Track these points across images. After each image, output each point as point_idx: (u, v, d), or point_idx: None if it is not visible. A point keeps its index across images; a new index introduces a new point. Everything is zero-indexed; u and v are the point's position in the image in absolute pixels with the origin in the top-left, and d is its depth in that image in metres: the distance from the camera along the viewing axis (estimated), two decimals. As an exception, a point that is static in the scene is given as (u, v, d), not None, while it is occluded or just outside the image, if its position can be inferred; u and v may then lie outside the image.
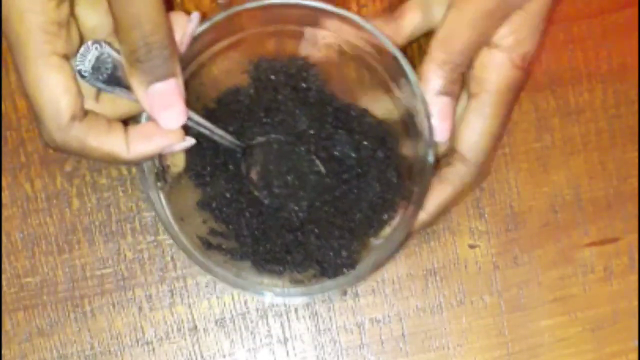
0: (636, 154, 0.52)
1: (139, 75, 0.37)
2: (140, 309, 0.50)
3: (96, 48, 0.37)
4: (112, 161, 0.39)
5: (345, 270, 0.45)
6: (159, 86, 0.37)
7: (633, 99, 0.52)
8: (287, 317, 0.51)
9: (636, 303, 0.51)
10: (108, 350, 0.50)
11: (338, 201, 0.47)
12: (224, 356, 0.51)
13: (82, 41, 0.39)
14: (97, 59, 0.37)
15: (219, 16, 0.42)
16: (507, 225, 0.51)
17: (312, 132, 0.47)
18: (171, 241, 0.50)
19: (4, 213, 0.50)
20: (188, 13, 0.41)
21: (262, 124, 0.47)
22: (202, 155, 0.46)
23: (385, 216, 0.46)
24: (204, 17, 0.42)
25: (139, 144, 0.39)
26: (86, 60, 0.37)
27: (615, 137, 0.52)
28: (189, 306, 0.50)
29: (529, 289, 0.51)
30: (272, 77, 0.47)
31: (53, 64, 0.36)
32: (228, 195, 0.46)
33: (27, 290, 0.50)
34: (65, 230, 0.50)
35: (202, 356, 0.50)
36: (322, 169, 0.47)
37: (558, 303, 0.51)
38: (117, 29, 0.37)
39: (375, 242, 0.46)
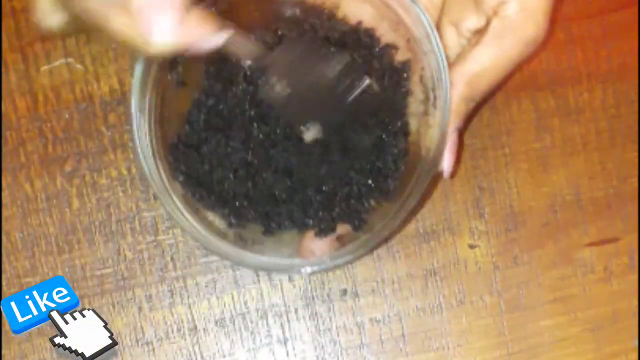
0: (636, 154, 0.52)
1: None
2: (140, 309, 0.50)
3: None
4: (132, 48, 0.35)
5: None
6: None
7: (633, 99, 0.52)
8: (287, 317, 0.51)
9: (636, 303, 0.51)
10: (108, 350, 0.50)
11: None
12: (224, 356, 0.51)
13: None
14: None
15: None
16: (507, 225, 0.51)
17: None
18: (171, 241, 0.50)
19: (4, 213, 0.50)
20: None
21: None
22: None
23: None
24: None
25: (163, 36, 0.35)
26: None
27: (615, 137, 0.52)
28: (189, 306, 0.50)
29: (529, 289, 0.51)
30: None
31: None
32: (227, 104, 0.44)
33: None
34: (65, 230, 0.50)
35: (202, 356, 0.50)
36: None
37: (558, 303, 0.51)
38: None
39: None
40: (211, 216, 0.46)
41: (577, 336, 0.51)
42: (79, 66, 0.50)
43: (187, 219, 0.43)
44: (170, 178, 0.44)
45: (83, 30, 0.42)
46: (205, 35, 0.36)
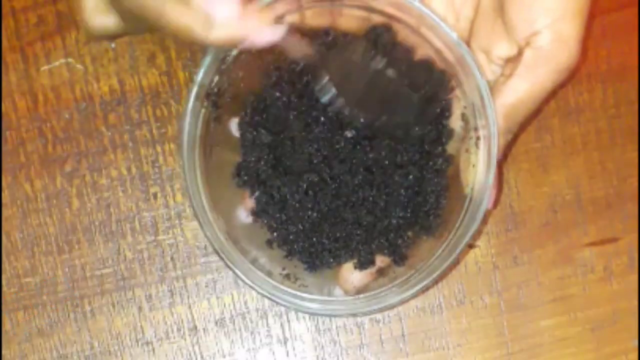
0: (636, 154, 0.52)
1: None
2: (140, 309, 0.50)
3: None
4: (188, 39, 0.35)
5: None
6: None
7: (633, 99, 0.52)
8: (287, 317, 0.51)
9: (636, 303, 0.51)
10: (108, 350, 0.50)
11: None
12: (224, 356, 0.51)
13: None
14: None
15: None
16: (507, 225, 0.51)
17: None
18: (171, 241, 0.50)
19: (4, 213, 0.50)
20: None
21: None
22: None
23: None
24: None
25: (222, 25, 0.35)
26: None
27: (615, 137, 0.52)
28: (189, 306, 0.50)
29: (529, 289, 0.51)
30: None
31: None
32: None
33: (27, 290, 0.50)
34: (65, 230, 0.50)
35: (202, 356, 0.50)
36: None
37: (558, 303, 0.51)
38: None
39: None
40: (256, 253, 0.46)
41: (577, 336, 0.51)
42: (79, 66, 0.50)
43: (230, 252, 0.44)
44: (214, 213, 0.45)
45: (130, 31, 0.42)
46: (263, 28, 0.36)
